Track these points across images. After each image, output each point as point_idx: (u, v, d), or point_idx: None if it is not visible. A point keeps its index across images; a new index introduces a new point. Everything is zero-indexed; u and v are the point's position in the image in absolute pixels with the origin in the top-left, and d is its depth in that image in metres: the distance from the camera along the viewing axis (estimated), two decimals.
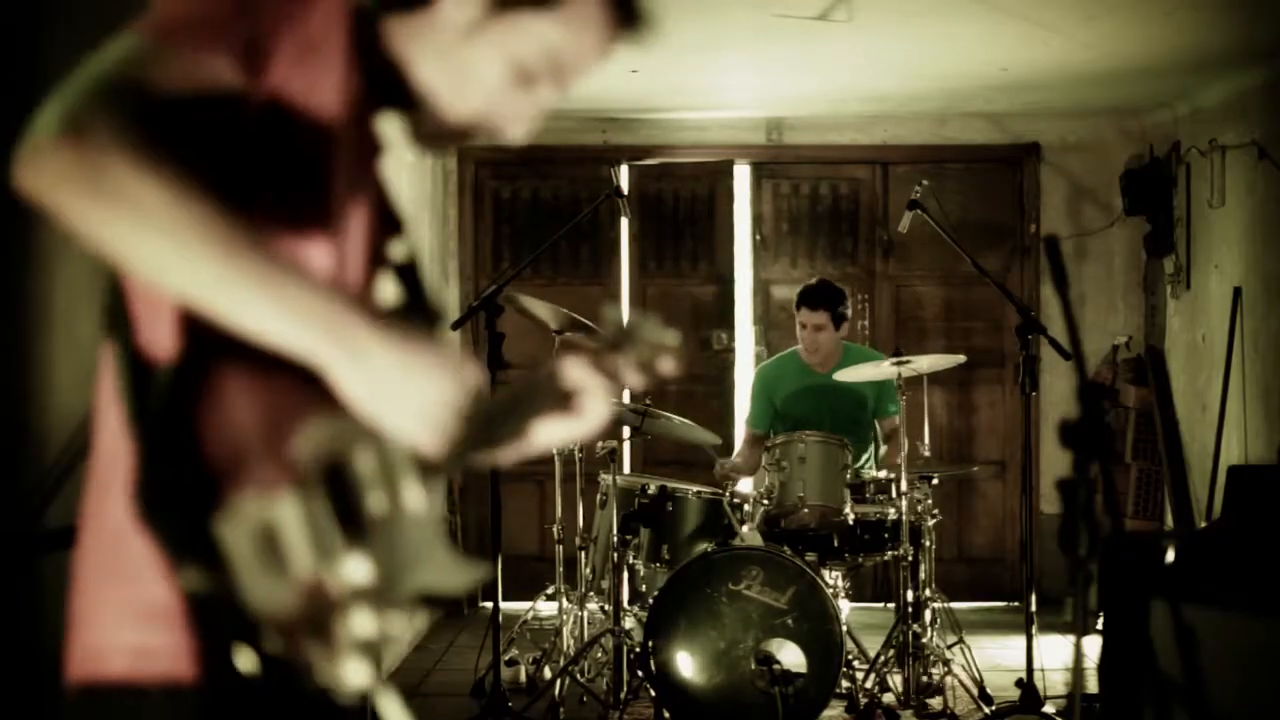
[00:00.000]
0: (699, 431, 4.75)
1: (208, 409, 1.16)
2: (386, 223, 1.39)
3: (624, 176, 6.48)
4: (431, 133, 1.37)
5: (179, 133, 1.16)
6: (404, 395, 1.19)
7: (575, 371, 1.43)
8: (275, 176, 1.25)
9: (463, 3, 1.30)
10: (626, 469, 6.21)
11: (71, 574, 1.26)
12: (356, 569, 1.19)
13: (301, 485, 1.18)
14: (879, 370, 4.48)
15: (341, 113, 1.27)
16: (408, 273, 1.40)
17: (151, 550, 1.15)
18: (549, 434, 1.45)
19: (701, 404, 6.41)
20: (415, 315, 1.39)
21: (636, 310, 1.73)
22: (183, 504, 1.11)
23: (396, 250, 1.40)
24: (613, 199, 4.83)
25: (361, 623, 1.17)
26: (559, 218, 6.28)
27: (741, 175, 6.71)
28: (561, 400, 1.44)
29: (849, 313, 4.97)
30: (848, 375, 4.57)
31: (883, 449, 4.97)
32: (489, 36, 1.30)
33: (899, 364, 4.36)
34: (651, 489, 4.38)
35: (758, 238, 6.69)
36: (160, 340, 1.19)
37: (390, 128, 1.36)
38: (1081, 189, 6.65)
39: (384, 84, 1.33)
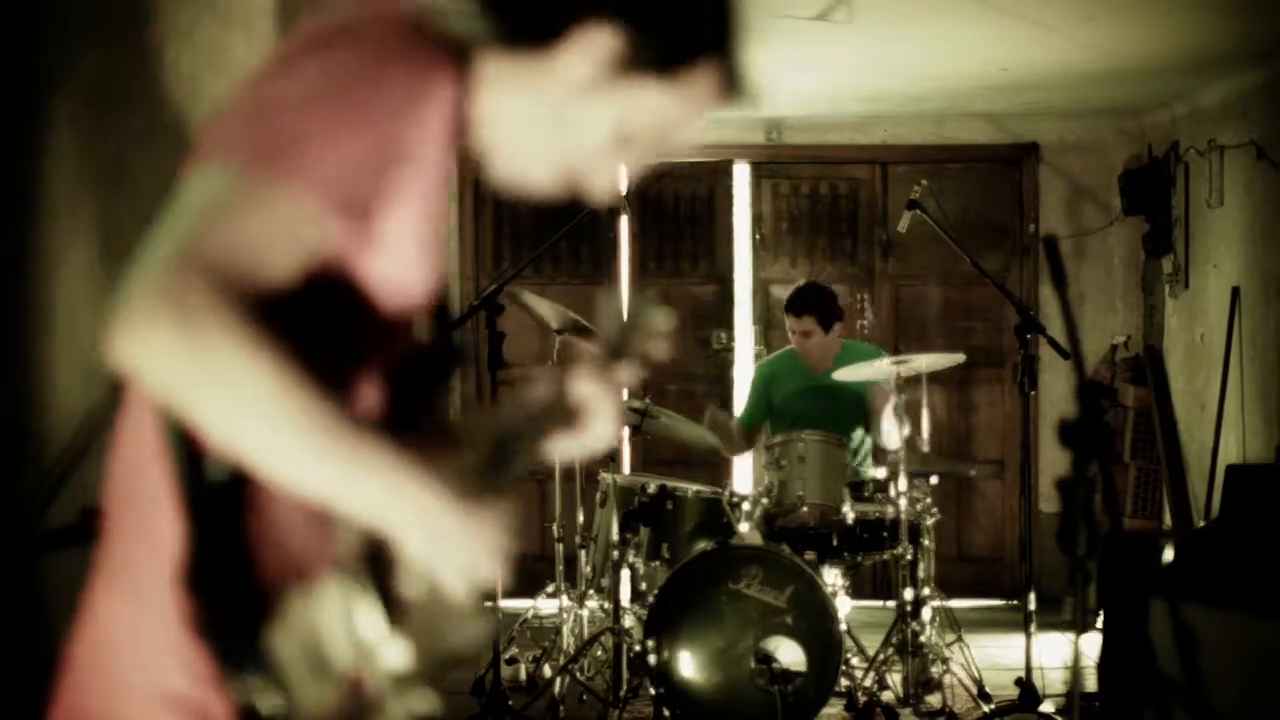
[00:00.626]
0: (700, 430, 4.76)
1: (259, 505, 1.14)
2: None
3: (623, 176, 6.49)
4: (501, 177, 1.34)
5: (281, 299, 1.13)
6: (459, 551, 1.19)
7: (581, 386, 1.44)
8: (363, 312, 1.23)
9: (582, 60, 1.24)
10: (626, 468, 6.21)
11: (90, 612, 1.23)
12: (394, 655, 1.20)
13: (343, 575, 1.19)
14: (876, 370, 4.49)
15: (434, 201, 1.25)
16: (437, 309, 1.39)
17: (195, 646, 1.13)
18: (559, 451, 1.47)
19: (701, 404, 6.40)
20: (440, 351, 1.38)
21: (634, 302, 1.73)
22: (237, 613, 1.10)
23: None
24: (613, 198, 4.83)
25: (397, 708, 1.20)
26: (559, 217, 6.27)
27: (741, 175, 6.71)
28: (569, 417, 1.45)
29: (840, 312, 4.97)
30: (846, 375, 4.57)
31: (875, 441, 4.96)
32: (601, 98, 1.26)
33: (898, 364, 4.37)
34: (651, 488, 4.37)
35: (757, 237, 6.69)
36: None
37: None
38: (1080, 189, 6.66)
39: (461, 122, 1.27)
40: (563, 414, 1.45)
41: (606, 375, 1.45)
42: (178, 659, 1.16)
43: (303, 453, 1.09)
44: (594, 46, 1.24)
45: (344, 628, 1.17)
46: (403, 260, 1.23)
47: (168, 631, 1.16)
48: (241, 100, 1.19)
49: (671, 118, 1.31)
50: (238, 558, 1.11)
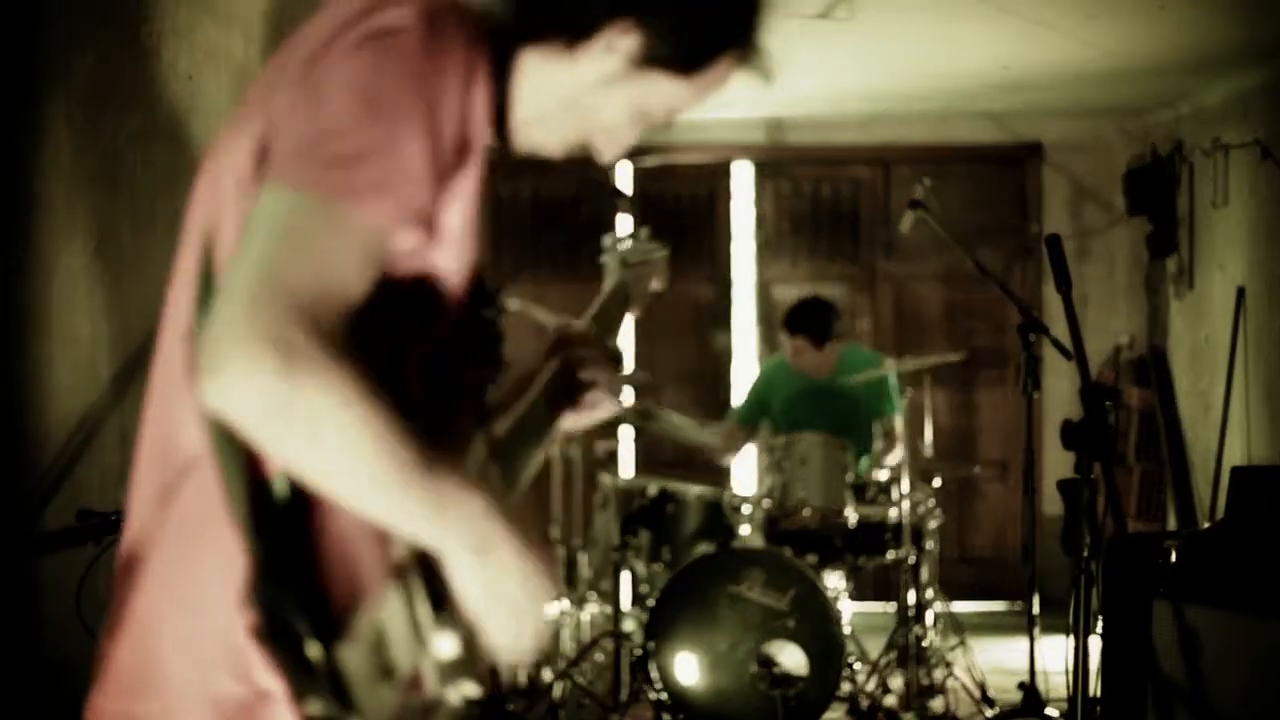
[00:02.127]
0: (701, 430, 4.75)
1: (316, 516, 1.14)
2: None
3: (624, 176, 6.48)
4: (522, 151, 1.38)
5: (366, 325, 1.14)
6: (511, 603, 1.20)
7: (576, 363, 1.48)
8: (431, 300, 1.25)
9: (606, 58, 1.29)
10: (628, 469, 6.19)
11: (126, 620, 1.22)
12: (445, 646, 1.21)
13: (400, 577, 1.19)
14: (875, 372, 4.49)
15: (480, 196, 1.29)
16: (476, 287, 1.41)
17: (261, 659, 1.13)
18: (562, 426, 1.50)
19: (701, 404, 6.39)
20: (474, 327, 1.39)
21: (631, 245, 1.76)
22: (305, 630, 1.10)
23: None
24: (613, 198, 4.83)
25: (452, 697, 1.22)
26: (559, 217, 6.27)
27: (742, 175, 6.70)
28: (569, 395, 1.48)
29: (836, 329, 4.94)
30: (849, 380, 4.58)
31: (878, 446, 4.95)
32: (622, 87, 1.31)
33: (896, 362, 4.37)
34: (652, 490, 4.36)
35: (759, 238, 6.68)
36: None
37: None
38: (1083, 189, 6.64)
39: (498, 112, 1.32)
40: (561, 394, 1.47)
41: (600, 354, 1.50)
42: (237, 673, 1.16)
43: (383, 490, 1.11)
44: (620, 44, 1.28)
45: (405, 631, 1.18)
46: (459, 250, 1.26)
47: (228, 646, 1.15)
48: (293, 114, 1.17)
49: (689, 100, 1.35)
50: (304, 574, 1.12)
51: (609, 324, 1.64)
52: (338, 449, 1.08)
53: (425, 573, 1.20)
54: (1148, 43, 5.09)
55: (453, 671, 1.22)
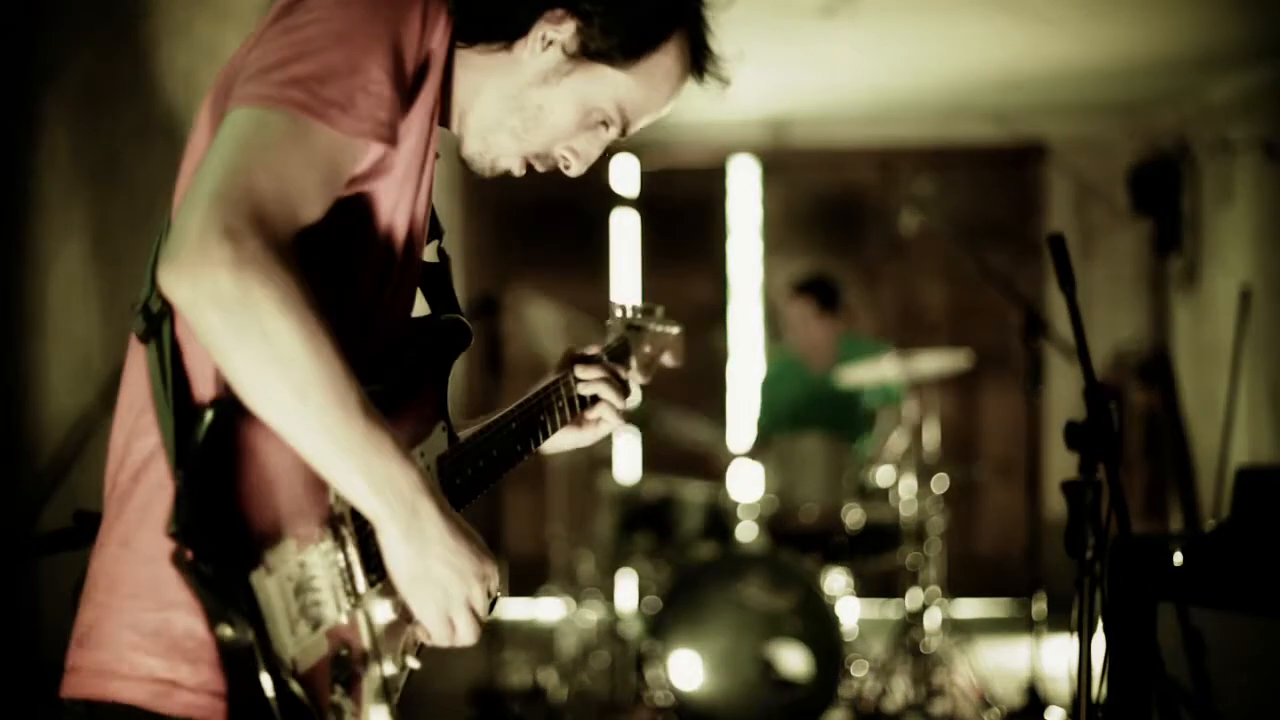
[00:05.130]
0: (703, 430, 4.74)
1: (247, 452, 1.14)
2: (433, 227, 1.42)
3: (625, 176, 6.46)
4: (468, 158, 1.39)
5: (322, 238, 1.17)
6: (438, 585, 1.20)
7: (586, 380, 1.51)
8: (385, 244, 1.27)
9: (543, 52, 1.32)
10: (628, 470, 6.18)
11: (88, 586, 1.24)
12: (380, 609, 1.22)
13: (332, 527, 1.19)
14: (877, 371, 4.47)
15: (429, 150, 1.29)
16: (439, 273, 1.42)
17: (185, 587, 1.13)
18: (560, 443, 1.53)
19: (700, 403, 6.38)
20: (443, 315, 1.40)
21: (642, 301, 1.76)
22: (222, 554, 1.10)
23: (429, 251, 1.42)
24: (614, 198, 4.81)
25: (386, 664, 1.22)
26: (559, 217, 6.26)
27: (744, 174, 6.68)
28: (574, 411, 1.51)
29: (841, 298, 4.93)
30: (853, 376, 4.56)
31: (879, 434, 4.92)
32: (566, 82, 1.33)
33: (899, 362, 4.35)
34: (653, 491, 4.35)
35: (761, 237, 6.66)
36: (205, 381, 1.18)
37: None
38: (1088, 187, 6.61)
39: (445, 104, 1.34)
40: (567, 407, 1.49)
41: (610, 371, 1.52)
42: (162, 598, 1.17)
43: (317, 414, 1.11)
44: (556, 35, 1.31)
45: (334, 582, 1.18)
46: (405, 189, 1.26)
47: (154, 572, 1.17)
48: (262, 41, 1.21)
49: (642, 101, 1.37)
50: (225, 502, 1.11)
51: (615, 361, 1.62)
52: (278, 355, 1.08)
53: (365, 534, 1.20)
54: (1152, 40, 5.07)
55: (389, 639, 1.23)
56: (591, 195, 6.27)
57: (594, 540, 4.65)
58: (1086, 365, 1.88)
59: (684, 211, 6.65)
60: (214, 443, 1.11)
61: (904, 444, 4.31)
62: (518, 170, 1.38)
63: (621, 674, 4.18)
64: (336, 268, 1.23)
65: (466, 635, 1.23)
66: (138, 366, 1.24)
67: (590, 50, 1.32)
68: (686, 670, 4.00)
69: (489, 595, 1.23)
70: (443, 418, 1.36)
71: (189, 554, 1.08)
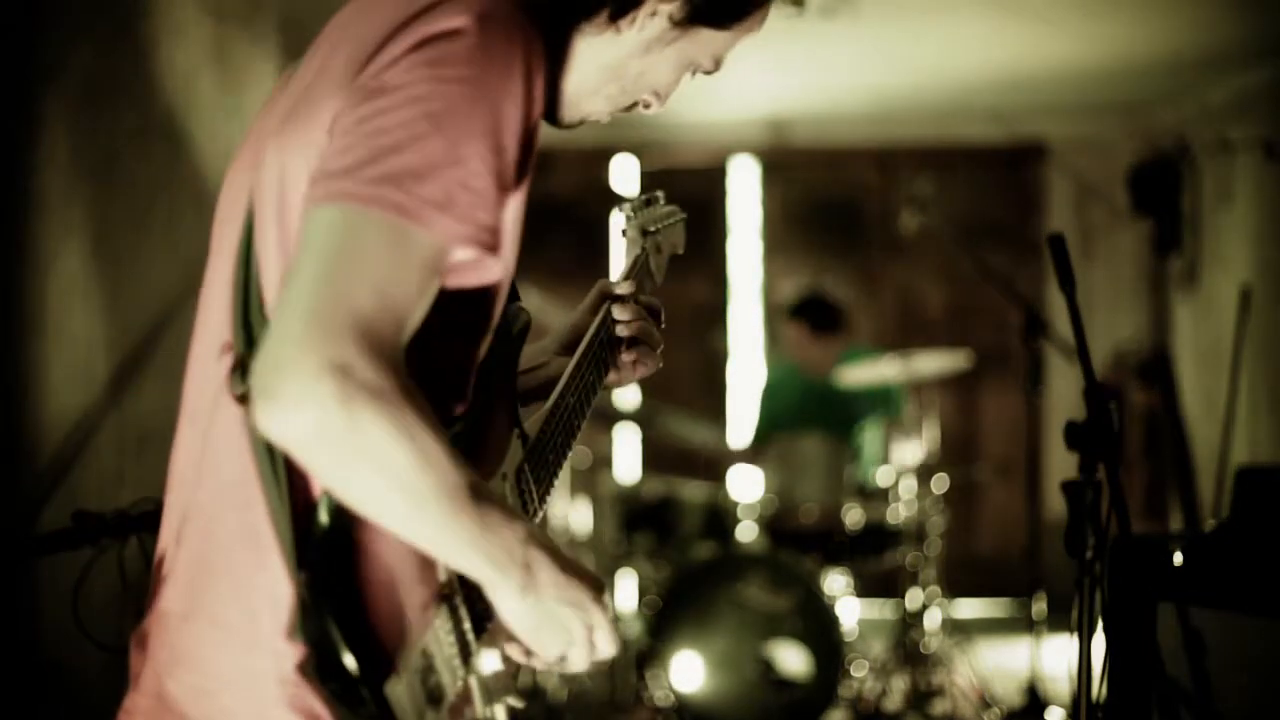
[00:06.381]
0: (703, 430, 4.74)
1: (364, 549, 1.11)
2: None
3: (625, 176, 6.46)
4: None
5: (422, 339, 1.11)
6: (560, 625, 1.19)
7: (624, 321, 1.49)
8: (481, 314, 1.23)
9: (651, 24, 1.30)
10: (629, 471, 6.18)
11: (158, 655, 1.20)
12: (488, 663, 1.22)
13: (445, 601, 1.18)
14: (877, 372, 4.47)
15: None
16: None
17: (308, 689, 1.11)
18: (606, 382, 1.50)
19: (699, 403, 6.37)
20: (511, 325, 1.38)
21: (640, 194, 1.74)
22: (358, 666, 1.07)
23: None
24: (613, 198, 4.81)
25: (499, 713, 1.23)
26: (559, 217, 6.25)
27: (744, 174, 6.68)
28: (613, 350, 1.49)
29: (841, 319, 4.91)
30: (854, 377, 4.56)
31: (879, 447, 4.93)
32: (668, 50, 1.32)
33: (899, 362, 4.35)
34: (653, 491, 4.35)
35: (760, 237, 6.66)
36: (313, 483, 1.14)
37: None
38: (1088, 187, 6.61)
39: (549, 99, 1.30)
40: (607, 346, 1.48)
41: (643, 311, 1.52)
42: (297, 705, 1.14)
43: (433, 519, 1.08)
44: (664, 8, 1.29)
45: (452, 654, 1.17)
46: (509, 253, 1.20)
47: (283, 680, 1.14)
48: (347, 126, 1.11)
49: (733, 44, 1.36)
50: (350, 606, 1.09)
51: (639, 291, 1.62)
52: (393, 481, 1.05)
53: (466, 591, 1.19)
54: (1152, 40, 5.07)
55: (497, 687, 1.22)
56: (591, 195, 6.27)
57: (594, 540, 4.65)
58: (1086, 365, 1.88)
59: (685, 210, 6.65)
60: (333, 543, 1.09)
61: (911, 457, 4.30)
62: (605, 120, 1.38)
63: (621, 674, 4.18)
64: (445, 351, 1.20)
65: (606, 650, 1.23)
66: (231, 431, 1.17)
67: (695, 18, 1.30)
68: (686, 670, 4.00)
69: (605, 609, 1.23)
70: (516, 425, 1.33)
71: (319, 664, 1.06)
